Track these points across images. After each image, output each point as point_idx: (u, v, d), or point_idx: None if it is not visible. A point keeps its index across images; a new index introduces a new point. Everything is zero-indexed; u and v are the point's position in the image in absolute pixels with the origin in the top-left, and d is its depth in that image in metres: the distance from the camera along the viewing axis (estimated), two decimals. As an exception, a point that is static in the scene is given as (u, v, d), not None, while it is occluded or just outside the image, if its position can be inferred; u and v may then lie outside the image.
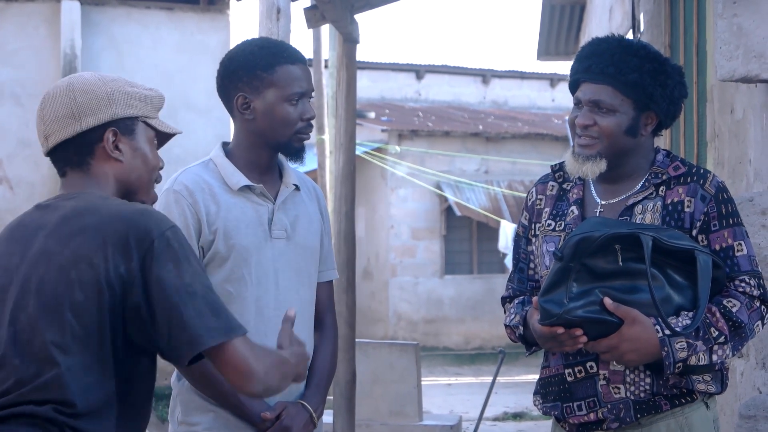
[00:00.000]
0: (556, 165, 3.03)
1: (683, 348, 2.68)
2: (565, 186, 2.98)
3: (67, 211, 2.31)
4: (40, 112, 2.41)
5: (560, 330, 2.69)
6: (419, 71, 21.26)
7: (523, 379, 13.67)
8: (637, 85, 2.81)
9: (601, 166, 2.84)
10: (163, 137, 2.51)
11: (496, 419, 10.92)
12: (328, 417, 6.78)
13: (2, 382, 2.24)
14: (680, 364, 2.70)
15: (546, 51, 13.45)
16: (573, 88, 2.93)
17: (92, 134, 2.37)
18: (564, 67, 21.04)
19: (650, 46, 2.92)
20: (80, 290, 2.23)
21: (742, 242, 2.78)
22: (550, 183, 3.02)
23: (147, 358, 2.33)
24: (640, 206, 2.83)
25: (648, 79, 2.82)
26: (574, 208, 2.91)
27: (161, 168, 2.49)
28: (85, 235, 2.25)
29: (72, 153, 2.39)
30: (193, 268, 2.25)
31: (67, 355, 2.21)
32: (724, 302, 2.73)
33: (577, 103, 2.89)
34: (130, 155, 2.41)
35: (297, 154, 3.06)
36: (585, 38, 11.95)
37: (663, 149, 2.95)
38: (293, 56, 3.03)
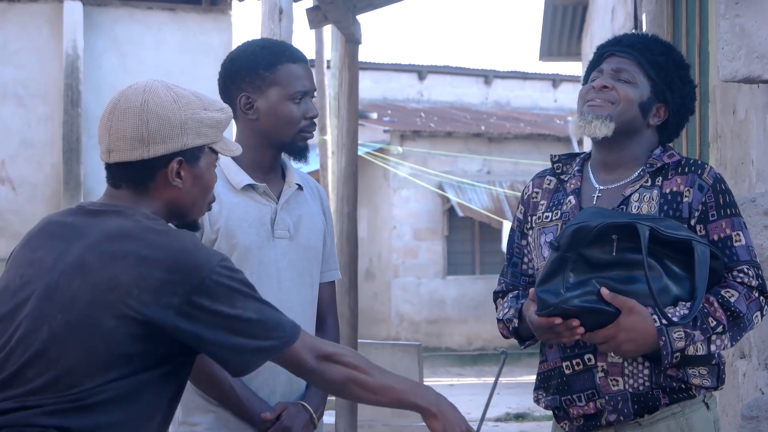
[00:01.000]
0: (555, 156, 3.03)
1: (681, 338, 2.67)
2: (563, 177, 2.98)
3: (112, 228, 2.26)
4: (107, 122, 2.32)
5: (557, 320, 2.68)
6: (421, 72, 21.27)
7: (525, 380, 13.66)
8: (661, 67, 2.87)
9: (609, 128, 2.83)
10: None
11: (498, 420, 10.92)
12: (330, 417, 6.79)
13: (16, 393, 2.20)
14: (678, 354, 2.69)
15: (548, 51, 13.45)
16: (595, 64, 2.96)
17: (158, 161, 2.31)
18: (566, 67, 21.06)
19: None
20: (113, 317, 2.19)
21: (741, 232, 2.78)
22: (548, 177, 3.02)
23: (175, 383, 2.31)
24: (636, 195, 2.83)
25: (672, 66, 2.88)
26: (571, 197, 2.91)
27: (215, 182, 2.45)
28: (127, 261, 2.21)
29: (132, 172, 2.33)
30: (243, 294, 2.27)
31: (88, 377, 2.19)
32: (722, 292, 2.72)
33: (594, 78, 2.92)
34: (191, 183, 2.36)
35: (301, 153, 3.06)
36: (587, 39, 11.95)
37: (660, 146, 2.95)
38: (295, 55, 3.03)
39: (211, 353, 2.28)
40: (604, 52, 2.96)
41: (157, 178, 2.33)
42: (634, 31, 7.72)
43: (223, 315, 2.24)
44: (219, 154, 2.43)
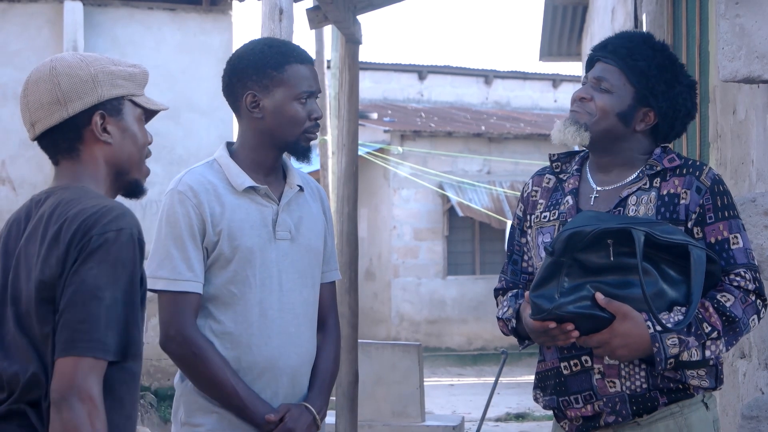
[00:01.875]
0: (554, 155, 3.03)
1: (675, 344, 2.68)
2: (561, 176, 2.98)
3: (45, 210, 2.28)
4: (24, 98, 2.37)
5: (552, 325, 2.69)
6: (422, 72, 21.26)
7: (525, 380, 13.66)
8: (643, 73, 2.84)
9: (584, 137, 2.85)
10: (149, 113, 2.46)
11: (498, 420, 10.93)
12: (330, 418, 6.78)
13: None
14: (672, 360, 2.69)
15: (548, 51, 13.46)
16: (588, 68, 2.97)
17: (79, 119, 2.32)
18: (566, 67, 21.04)
19: (671, 50, 2.93)
20: (39, 291, 2.20)
21: (738, 235, 2.78)
22: (547, 176, 3.02)
23: (115, 377, 2.24)
24: (634, 197, 2.83)
25: (655, 71, 2.85)
26: (569, 197, 2.92)
27: (150, 143, 2.45)
28: (50, 239, 2.22)
29: (60, 139, 2.34)
30: (115, 276, 2.17)
31: (42, 357, 2.20)
32: (718, 297, 2.72)
33: (584, 82, 2.93)
34: (120, 136, 2.36)
35: (304, 153, 3.06)
36: (587, 39, 11.95)
37: (660, 145, 2.95)
38: (302, 56, 3.04)
39: (56, 322, 2.16)
40: (593, 56, 2.96)
41: (84, 137, 2.34)
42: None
43: (83, 281, 2.15)
44: (144, 108, 2.41)
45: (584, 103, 2.88)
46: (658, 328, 2.66)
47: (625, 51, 2.87)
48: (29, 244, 2.26)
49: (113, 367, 2.20)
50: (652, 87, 2.84)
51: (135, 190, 2.44)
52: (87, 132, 2.34)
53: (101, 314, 2.15)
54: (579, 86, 3.04)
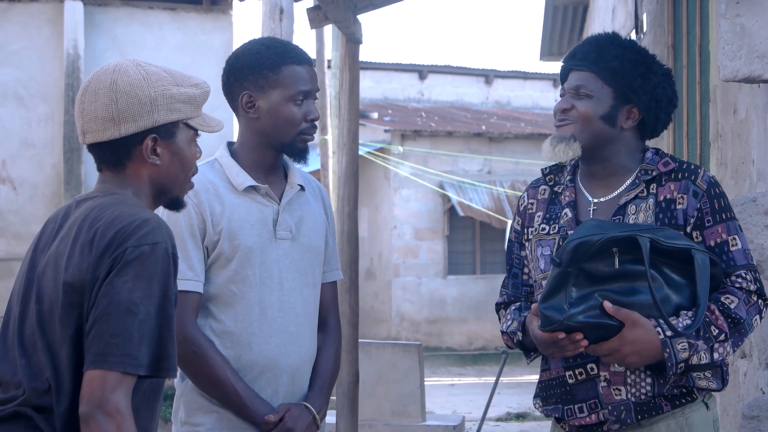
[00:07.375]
0: (546, 168, 3.03)
1: (685, 348, 2.69)
2: (556, 189, 2.98)
3: (81, 213, 2.28)
4: (79, 105, 2.34)
5: (561, 335, 2.69)
6: (422, 71, 21.27)
7: (525, 380, 13.67)
8: (617, 72, 2.85)
9: (575, 148, 2.85)
10: None
11: (499, 419, 10.93)
12: (331, 417, 6.79)
13: (15, 384, 2.23)
14: (682, 364, 2.70)
15: (549, 51, 13.45)
16: (563, 80, 2.97)
17: (131, 139, 2.31)
18: (567, 67, 21.05)
19: (639, 44, 2.95)
20: (65, 293, 2.19)
21: (737, 236, 2.79)
22: (542, 187, 3.02)
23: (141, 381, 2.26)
24: (633, 206, 2.83)
25: (628, 67, 2.85)
26: (567, 210, 2.91)
27: (198, 157, 2.44)
28: (83, 243, 2.21)
29: (108, 153, 2.33)
30: (150, 290, 2.15)
31: (56, 362, 2.19)
32: (722, 299, 2.74)
33: (562, 94, 2.94)
34: (168, 159, 2.35)
35: (300, 154, 3.06)
36: (588, 38, 11.94)
37: (652, 147, 2.95)
38: (299, 57, 3.03)
39: (87, 333, 2.15)
40: (565, 68, 2.96)
41: (133, 156, 2.33)
42: (634, 31, 7.73)
43: (116, 293, 2.13)
44: (199, 131, 2.41)
45: (567, 113, 2.88)
46: (669, 333, 2.66)
47: (595, 55, 2.87)
48: (61, 244, 2.25)
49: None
50: (629, 83, 2.85)
51: (174, 205, 2.45)
52: (136, 151, 2.33)
53: (135, 328, 2.14)
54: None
